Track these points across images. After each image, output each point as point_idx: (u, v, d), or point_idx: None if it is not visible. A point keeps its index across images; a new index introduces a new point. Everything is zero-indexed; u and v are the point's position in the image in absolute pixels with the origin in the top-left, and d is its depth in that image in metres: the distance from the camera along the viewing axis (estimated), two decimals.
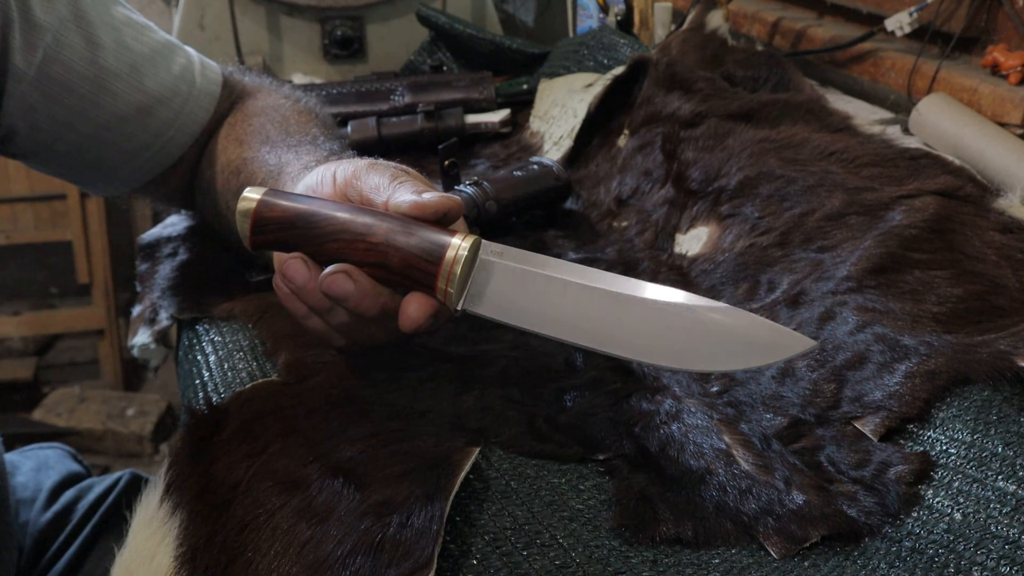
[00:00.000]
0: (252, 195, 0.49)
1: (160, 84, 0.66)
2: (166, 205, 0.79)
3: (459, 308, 0.47)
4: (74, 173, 0.69)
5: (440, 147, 0.77)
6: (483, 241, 0.48)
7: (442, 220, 0.48)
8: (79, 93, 0.62)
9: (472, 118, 0.97)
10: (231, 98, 0.71)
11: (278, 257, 0.51)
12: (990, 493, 0.40)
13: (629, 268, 0.65)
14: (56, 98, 0.61)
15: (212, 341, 0.61)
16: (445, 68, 1.11)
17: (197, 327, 0.63)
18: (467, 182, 0.73)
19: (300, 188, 0.54)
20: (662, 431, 0.47)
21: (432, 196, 0.48)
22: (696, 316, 0.44)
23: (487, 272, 0.47)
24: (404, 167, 0.52)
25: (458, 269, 0.46)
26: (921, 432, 0.45)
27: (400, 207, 0.48)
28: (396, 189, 0.49)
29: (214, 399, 0.54)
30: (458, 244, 0.46)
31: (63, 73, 0.61)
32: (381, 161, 0.53)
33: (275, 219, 0.49)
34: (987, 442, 0.42)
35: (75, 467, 0.87)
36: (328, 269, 0.47)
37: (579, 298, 0.45)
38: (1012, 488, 0.40)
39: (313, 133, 0.66)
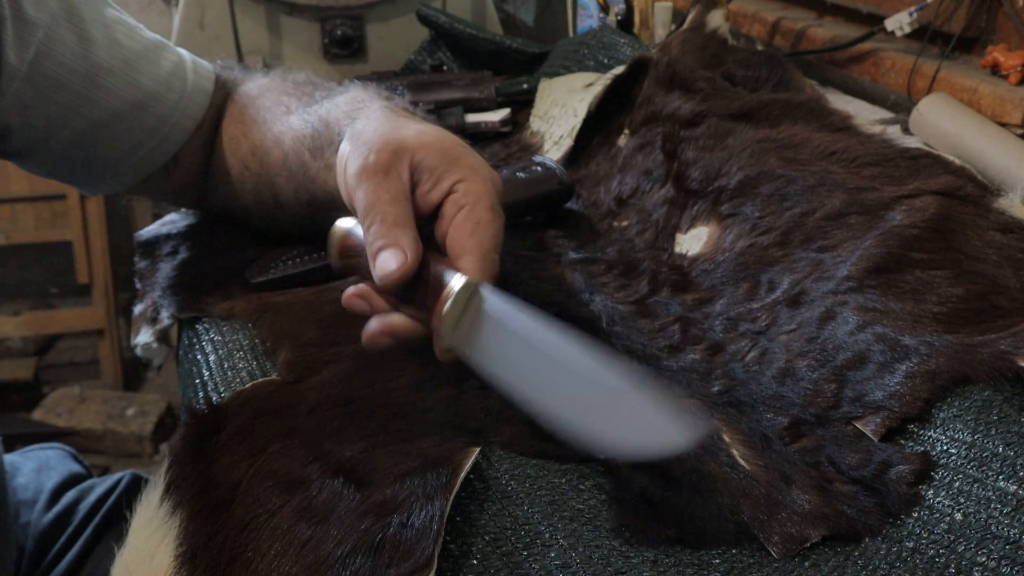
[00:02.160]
0: (343, 225, 0.53)
1: (154, 80, 0.66)
2: (171, 203, 0.79)
3: (450, 345, 0.47)
4: (69, 172, 0.69)
5: None
6: (483, 287, 0.47)
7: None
8: (72, 89, 0.62)
9: (472, 117, 0.97)
10: (225, 89, 0.72)
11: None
12: (991, 493, 0.40)
13: (629, 268, 0.65)
14: (49, 95, 0.61)
15: (212, 340, 0.60)
16: (445, 68, 1.11)
17: (197, 326, 0.63)
18: None
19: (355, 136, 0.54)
20: None
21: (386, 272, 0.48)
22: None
23: (477, 319, 0.46)
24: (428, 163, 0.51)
25: (445, 308, 0.46)
26: (921, 432, 0.45)
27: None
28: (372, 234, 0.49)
29: (214, 398, 0.54)
30: (456, 284, 0.46)
31: (55, 69, 0.61)
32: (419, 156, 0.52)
33: (350, 247, 0.53)
34: (988, 442, 0.42)
35: (76, 468, 0.87)
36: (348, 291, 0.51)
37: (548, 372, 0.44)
38: (1013, 488, 0.40)
39: (327, 86, 0.67)
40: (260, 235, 0.73)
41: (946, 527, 0.40)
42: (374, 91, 0.65)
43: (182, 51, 0.70)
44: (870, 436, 0.45)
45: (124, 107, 0.64)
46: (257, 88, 0.71)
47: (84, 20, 0.62)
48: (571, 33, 1.34)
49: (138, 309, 0.71)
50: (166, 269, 0.72)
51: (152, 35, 0.68)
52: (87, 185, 0.72)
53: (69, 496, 0.81)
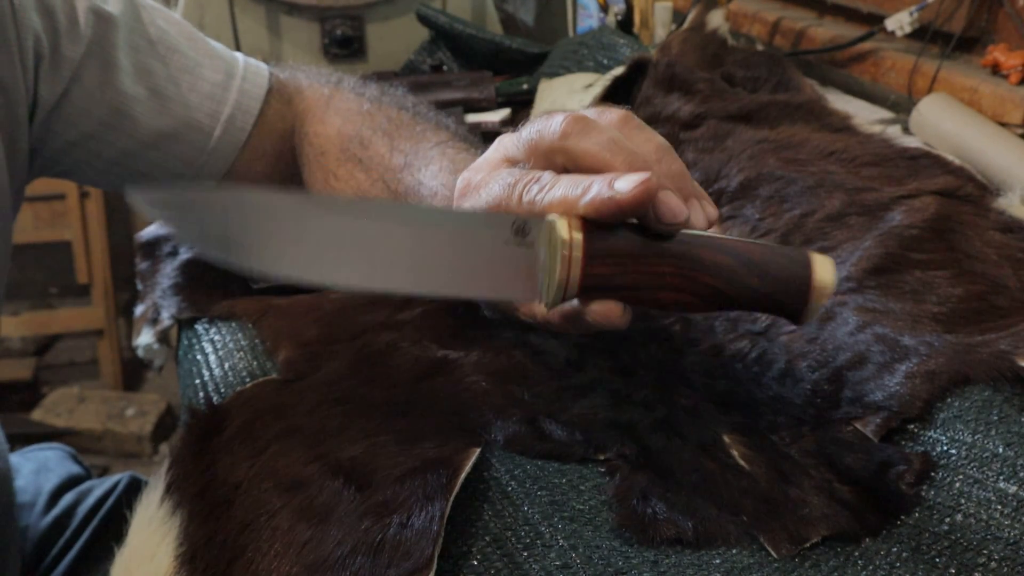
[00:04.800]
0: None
1: (187, 107, 0.63)
2: None
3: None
4: (121, 191, 0.69)
5: None
6: None
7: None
8: (96, 117, 0.61)
9: (472, 118, 0.97)
10: (289, 107, 0.68)
11: None
12: (991, 494, 0.40)
13: None
14: (75, 122, 0.60)
15: (212, 340, 0.60)
16: (445, 68, 1.11)
17: (196, 326, 0.63)
18: None
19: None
20: (662, 431, 0.47)
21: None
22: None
23: None
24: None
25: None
26: (922, 432, 0.45)
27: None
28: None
29: (214, 399, 0.54)
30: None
31: (81, 97, 0.60)
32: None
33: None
34: (988, 443, 0.42)
35: (75, 469, 0.87)
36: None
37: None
38: (1013, 489, 0.40)
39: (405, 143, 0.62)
40: None
41: (947, 528, 0.40)
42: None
43: (237, 61, 0.66)
44: (870, 436, 0.45)
45: (152, 137, 0.62)
46: (335, 131, 0.65)
47: (115, 46, 0.60)
48: (571, 33, 1.34)
49: (139, 310, 0.71)
50: (166, 270, 0.72)
51: (201, 50, 0.64)
52: None
53: (67, 499, 0.81)
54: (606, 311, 0.43)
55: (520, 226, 0.43)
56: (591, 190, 0.41)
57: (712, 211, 0.44)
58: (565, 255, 0.41)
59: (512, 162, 0.47)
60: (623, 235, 0.42)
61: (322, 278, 0.42)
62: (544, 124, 0.45)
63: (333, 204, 0.43)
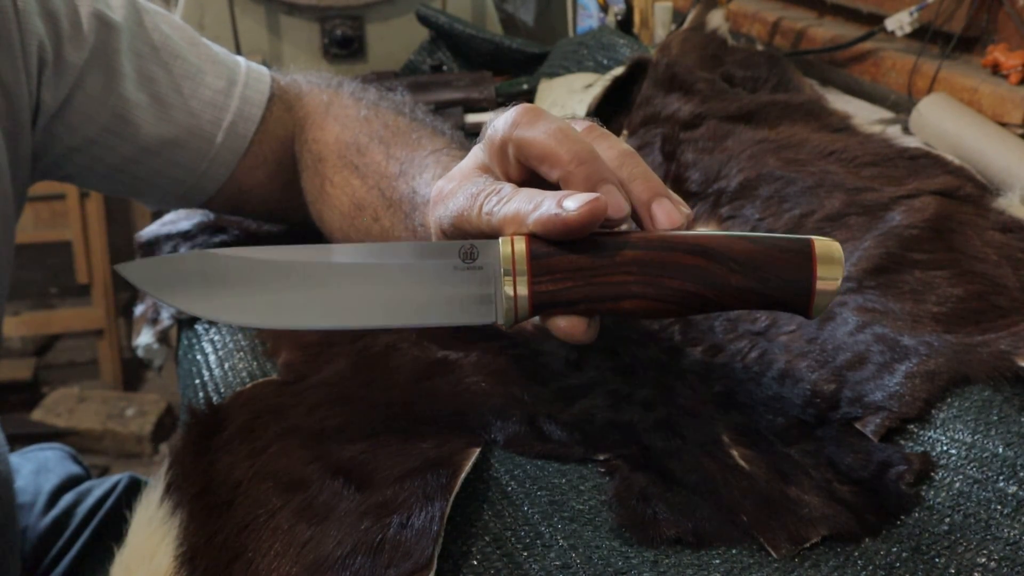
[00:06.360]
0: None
1: (189, 114, 0.63)
2: (257, 220, 0.75)
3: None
4: (124, 194, 0.69)
5: None
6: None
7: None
8: (99, 123, 0.60)
9: (472, 118, 0.97)
10: (288, 120, 0.68)
11: None
12: (991, 494, 0.40)
13: None
14: (76, 128, 0.60)
15: (212, 341, 0.60)
16: (445, 68, 1.11)
17: (196, 326, 0.63)
18: None
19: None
20: (662, 431, 0.47)
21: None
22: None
23: None
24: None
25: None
26: (921, 432, 0.45)
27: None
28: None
29: (214, 399, 0.54)
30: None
31: (84, 103, 0.60)
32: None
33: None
34: (988, 443, 0.42)
35: (74, 469, 0.87)
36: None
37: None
38: (1013, 489, 0.40)
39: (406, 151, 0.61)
40: (261, 238, 0.73)
41: (946, 528, 0.40)
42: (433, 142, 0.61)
43: (239, 67, 0.66)
44: (870, 437, 0.45)
45: (155, 144, 0.62)
46: (333, 137, 0.65)
47: (118, 52, 0.60)
48: (571, 33, 1.34)
49: (139, 310, 0.71)
50: None
51: (204, 56, 0.64)
52: (149, 205, 0.72)
53: (67, 499, 0.81)
54: (569, 327, 0.43)
55: (468, 250, 0.43)
56: (541, 207, 0.41)
57: (685, 210, 0.44)
58: (510, 275, 0.41)
59: (485, 168, 0.47)
60: (575, 248, 0.42)
61: (281, 323, 0.43)
62: (499, 119, 0.45)
63: (284, 252, 0.44)
